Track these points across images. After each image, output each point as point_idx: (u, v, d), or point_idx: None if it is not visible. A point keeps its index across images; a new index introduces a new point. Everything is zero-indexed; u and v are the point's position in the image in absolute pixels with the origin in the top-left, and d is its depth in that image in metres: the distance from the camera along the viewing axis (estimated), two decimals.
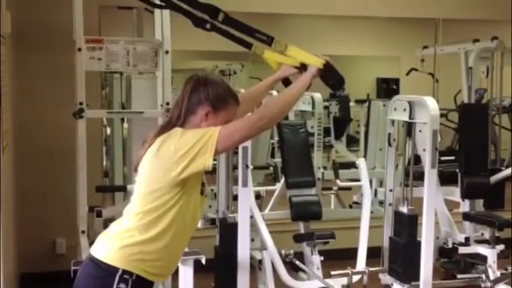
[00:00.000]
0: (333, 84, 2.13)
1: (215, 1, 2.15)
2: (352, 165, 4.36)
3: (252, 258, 3.66)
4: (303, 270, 3.85)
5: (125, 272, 1.94)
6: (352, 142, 6.43)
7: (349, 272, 3.74)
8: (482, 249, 4.44)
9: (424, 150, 3.66)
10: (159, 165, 1.94)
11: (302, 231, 4.07)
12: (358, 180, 4.24)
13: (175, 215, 1.96)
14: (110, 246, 1.99)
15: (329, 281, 3.72)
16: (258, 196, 4.22)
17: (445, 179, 4.65)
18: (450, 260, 4.68)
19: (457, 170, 4.75)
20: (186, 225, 2.01)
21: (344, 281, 3.74)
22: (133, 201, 2.02)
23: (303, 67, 2.12)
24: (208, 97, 1.99)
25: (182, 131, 1.96)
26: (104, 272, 1.96)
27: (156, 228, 1.95)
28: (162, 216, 1.95)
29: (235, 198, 3.58)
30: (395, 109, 3.90)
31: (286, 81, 2.20)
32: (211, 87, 2.02)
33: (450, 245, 4.53)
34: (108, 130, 4.93)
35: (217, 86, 2.03)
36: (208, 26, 2.11)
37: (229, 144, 1.96)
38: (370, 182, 4.52)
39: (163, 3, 2.27)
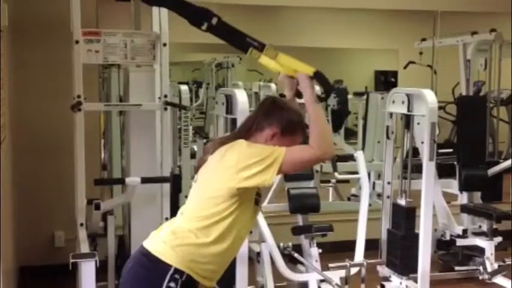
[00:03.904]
0: (322, 92, 2.15)
1: None
2: (350, 158, 4.35)
3: (250, 250, 3.66)
4: (301, 263, 3.86)
5: (176, 271, 1.99)
6: (350, 135, 6.42)
7: (347, 264, 3.73)
8: (480, 242, 4.46)
9: (422, 142, 3.66)
10: (221, 173, 2.00)
11: (300, 223, 4.08)
12: (356, 172, 4.23)
13: (231, 223, 2.02)
14: (166, 244, 2.03)
15: (327, 273, 3.72)
16: None
17: (443, 171, 4.66)
18: (448, 252, 4.70)
19: (455, 163, 4.76)
20: (239, 233, 2.08)
21: (342, 273, 3.74)
22: (190, 202, 2.09)
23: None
24: (281, 120, 2.07)
25: (248, 144, 2.03)
26: (157, 267, 2.00)
27: (213, 234, 2.01)
28: (219, 223, 2.01)
29: None
30: (393, 102, 3.90)
31: (299, 94, 2.20)
32: (286, 112, 2.09)
33: (448, 237, 4.55)
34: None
35: (292, 113, 2.11)
36: (204, 27, 2.12)
37: (291, 170, 2.05)
38: (368, 174, 4.52)
39: (160, 2, 2.26)
